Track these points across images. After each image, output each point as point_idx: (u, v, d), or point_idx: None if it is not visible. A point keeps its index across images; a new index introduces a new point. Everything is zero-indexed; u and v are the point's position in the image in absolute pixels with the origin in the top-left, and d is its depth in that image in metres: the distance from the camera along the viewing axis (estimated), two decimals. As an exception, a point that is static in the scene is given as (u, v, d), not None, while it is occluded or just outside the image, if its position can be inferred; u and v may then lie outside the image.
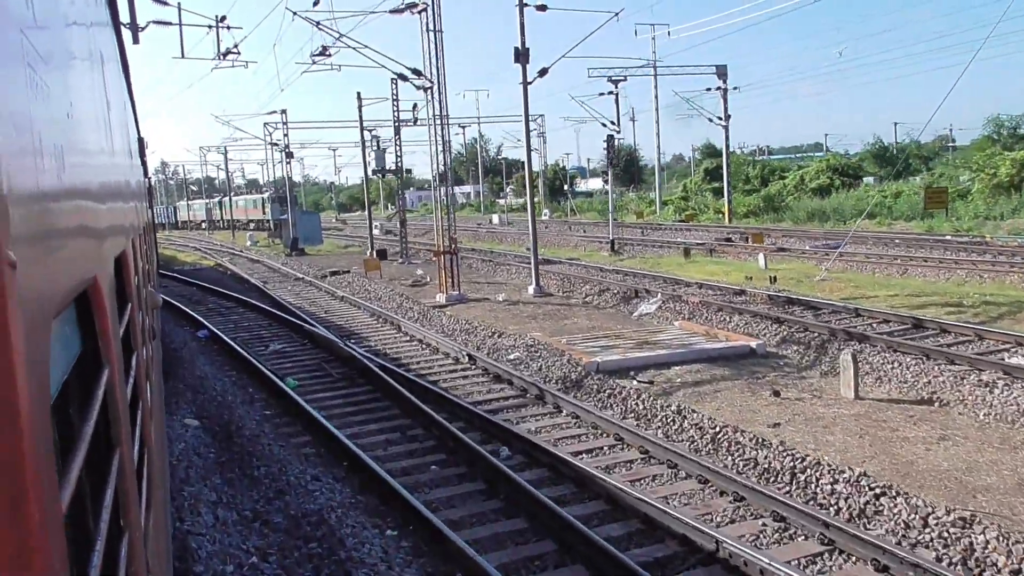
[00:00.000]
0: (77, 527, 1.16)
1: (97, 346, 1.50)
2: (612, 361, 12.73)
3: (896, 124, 76.62)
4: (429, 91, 21.01)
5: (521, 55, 21.19)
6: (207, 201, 78.48)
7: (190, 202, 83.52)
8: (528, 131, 21.51)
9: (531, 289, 21.98)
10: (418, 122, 33.69)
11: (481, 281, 25.66)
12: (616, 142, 37.57)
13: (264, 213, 58.06)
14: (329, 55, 21.02)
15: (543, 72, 21.71)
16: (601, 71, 41.83)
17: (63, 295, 1.14)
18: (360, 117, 38.43)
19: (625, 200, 72.81)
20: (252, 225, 60.83)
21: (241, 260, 40.02)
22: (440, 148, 21.38)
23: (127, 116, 4.71)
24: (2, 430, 0.73)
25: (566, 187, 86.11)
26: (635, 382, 12.07)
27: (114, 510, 1.40)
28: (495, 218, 62.71)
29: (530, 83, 21.52)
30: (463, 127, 70.83)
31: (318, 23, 20.24)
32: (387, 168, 34.00)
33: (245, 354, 14.54)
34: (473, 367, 13.11)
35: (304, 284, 27.15)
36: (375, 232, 62.44)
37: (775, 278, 20.64)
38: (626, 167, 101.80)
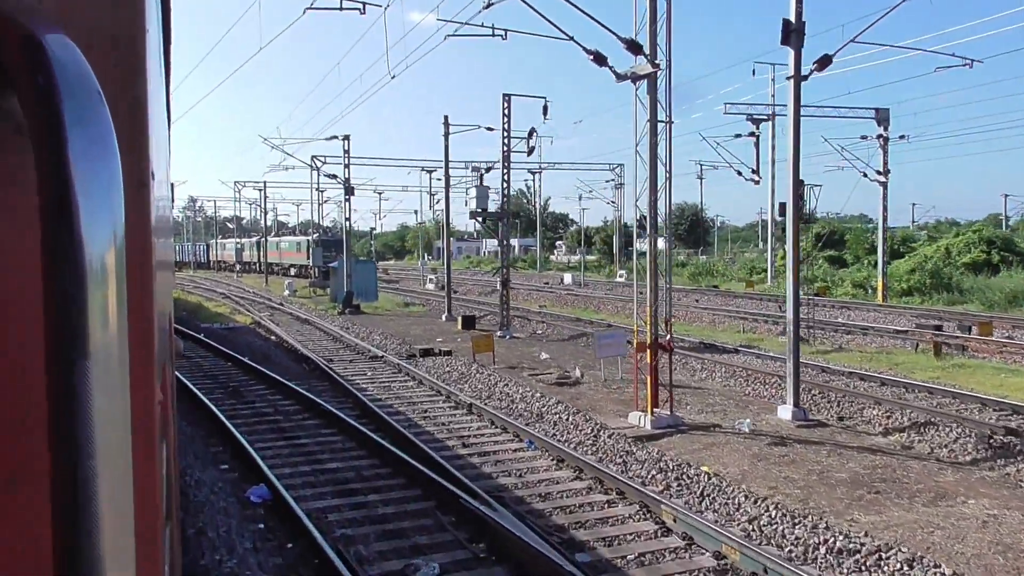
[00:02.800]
0: None
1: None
2: None
3: (1007, 196, 68.26)
4: (645, 80, 12.78)
5: (794, 32, 13.02)
6: (237, 241, 70.90)
7: (224, 241, 75.97)
8: (797, 153, 13.14)
9: (786, 412, 13.35)
10: (532, 152, 25.65)
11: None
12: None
13: (308, 258, 50.12)
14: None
15: (824, 62, 13.48)
16: (739, 107, 33.86)
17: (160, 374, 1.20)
18: (446, 146, 30.54)
19: (699, 264, 64.31)
20: (293, 271, 52.86)
21: (283, 317, 31.75)
22: (658, 164, 13.04)
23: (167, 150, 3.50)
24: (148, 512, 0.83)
25: (637, 244, 78.16)
26: None
27: None
28: (567, 277, 54.36)
29: (804, 78, 13.30)
30: (533, 172, 62.98)
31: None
32: (488, 210, 25.79)
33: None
34: None
35: (389, 369, 18.65)
36: (429, 287, 54.30)
37: None
38: (691, 228, 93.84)
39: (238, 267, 64.50)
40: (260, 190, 63.86)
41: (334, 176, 35.47)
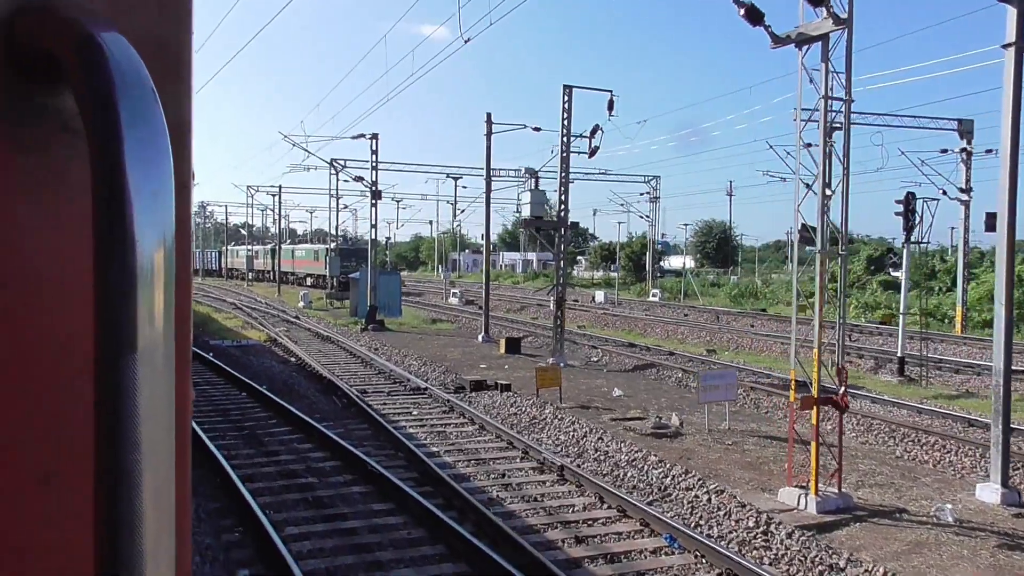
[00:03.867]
0: None
1: None
2: None
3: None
4: (818, 44, 9.56)
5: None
6: (248, 248, 67.72)
7: (237, 247, 72.71)
8: (1016, 147, 9.82)
9: (991, 493, 9.98)
10: (595, 154, 22.42)
11: (760, 432, 13.79)
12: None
13: (326, 268, 46.96)
14: None
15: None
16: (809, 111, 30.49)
17: None
18: (488, 147, 27.36)
19: (734, 285, 60.86)
20: (309, 281, 49.70)
21: (301, 333, 28.52)
22: (841, 147, 9.79)
23: None
24: None
25: (662, 262, 74.73)
26: None
27: None
28: (599, 295, 51.04)
29: (1027, 46, 10.00)
30: (563, 183, 59.50)
31: None
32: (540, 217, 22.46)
33: None
34: None
35: (438, 406, 15.33)
36: (453, 301, 50.94)
37: None
38: (719, 247, 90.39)
39: (251, 275, 61.35)
40: (274, 195, 60.84)
41: (360, 179, 32.29)
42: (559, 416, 13.86)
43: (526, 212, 22.34)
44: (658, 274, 74.89)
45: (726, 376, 13.98)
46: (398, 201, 74.49)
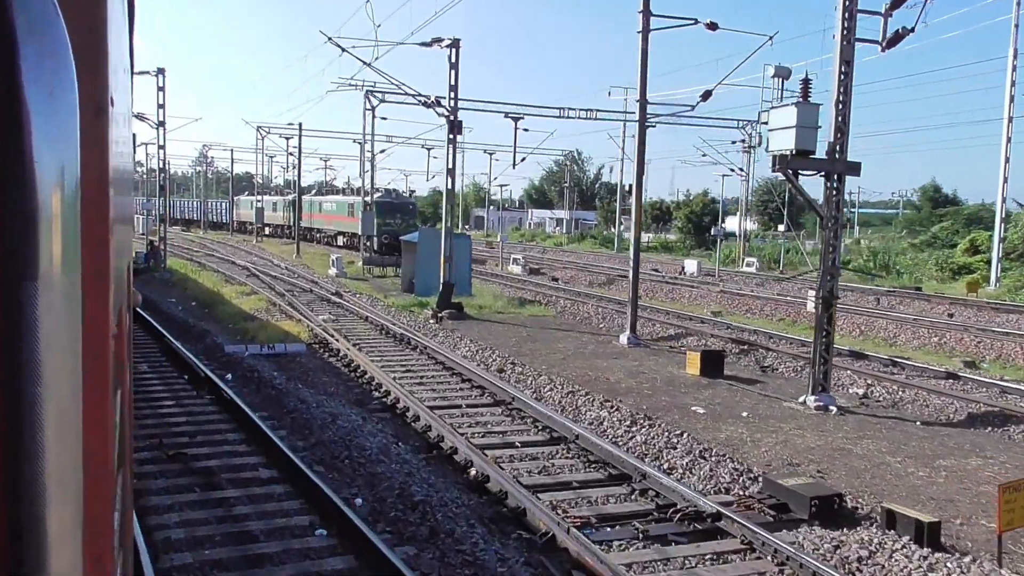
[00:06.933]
0: None
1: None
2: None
3: None
4: None
5: None
6: (257, 199, 58.18)
7: (251, 198, 62.80)
8: None
9: None
10: (894, 43, 12.94)
11: None
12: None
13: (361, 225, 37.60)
14: None
15: None
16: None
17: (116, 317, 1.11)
18: (643, 49, 17.91)
19: (867, 251, 51.38)
20: (341, 240, 40.46)
21: (356, 323, 19.39)
22: None
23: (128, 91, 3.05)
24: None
25: (723, 224, 65.55)
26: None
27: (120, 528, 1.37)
28: (690, 265, 41.78)
29: None
30: (649, 125, 50.01)
31: None
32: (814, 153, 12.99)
33: None
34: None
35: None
36: (515, 271, 41.69)
37: None
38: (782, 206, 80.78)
39: (267, 230, 52.07)
40: (289, 138, 51.21)
41: (435, 103, 22.70)
42: None
43: (781, 143, 12.66)
44: (720, 237, 65.72)
45: None
46: (429, 149, 64.81)
